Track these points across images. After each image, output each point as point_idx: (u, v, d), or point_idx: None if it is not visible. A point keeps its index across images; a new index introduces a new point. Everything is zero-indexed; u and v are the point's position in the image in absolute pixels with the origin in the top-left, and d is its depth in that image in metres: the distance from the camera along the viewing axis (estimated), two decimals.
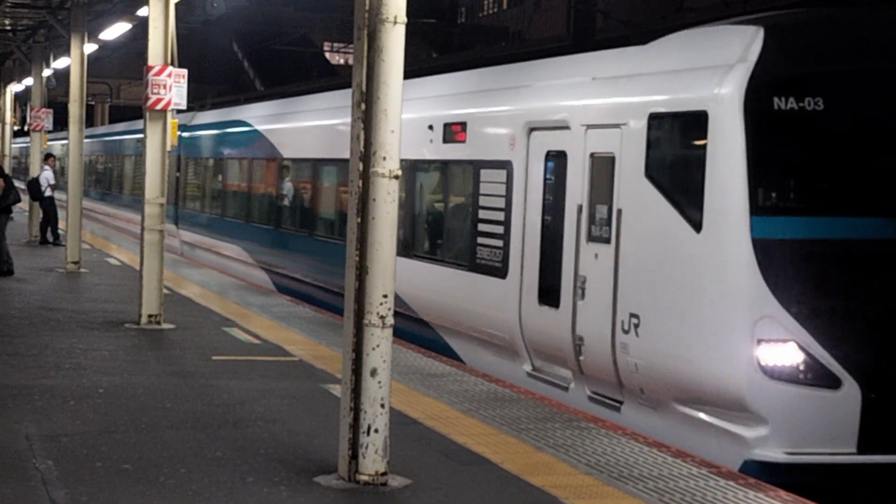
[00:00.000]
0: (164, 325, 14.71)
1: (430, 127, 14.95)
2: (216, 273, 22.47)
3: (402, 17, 7.66)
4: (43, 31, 28.94)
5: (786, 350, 9.34)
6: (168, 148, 14.98)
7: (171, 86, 14.73)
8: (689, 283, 9.91)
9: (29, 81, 32.03)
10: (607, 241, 10.94)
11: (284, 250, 20.84)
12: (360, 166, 7.72)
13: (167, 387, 10.93)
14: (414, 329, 15.03)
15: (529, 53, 26.91)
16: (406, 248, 15.31)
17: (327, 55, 65.54)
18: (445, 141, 14.65)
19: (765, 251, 9.42)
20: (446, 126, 14.66)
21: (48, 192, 26.80)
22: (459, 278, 13.98)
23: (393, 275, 7.75)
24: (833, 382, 9.30)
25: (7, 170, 25.93)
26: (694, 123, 9.98)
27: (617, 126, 10.95)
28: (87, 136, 26.40)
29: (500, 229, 13.02)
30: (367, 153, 7.70)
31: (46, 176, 27.13)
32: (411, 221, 15.69)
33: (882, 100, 9.87)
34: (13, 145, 41.69)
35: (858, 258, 9.63)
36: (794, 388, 9.30)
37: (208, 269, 23.46)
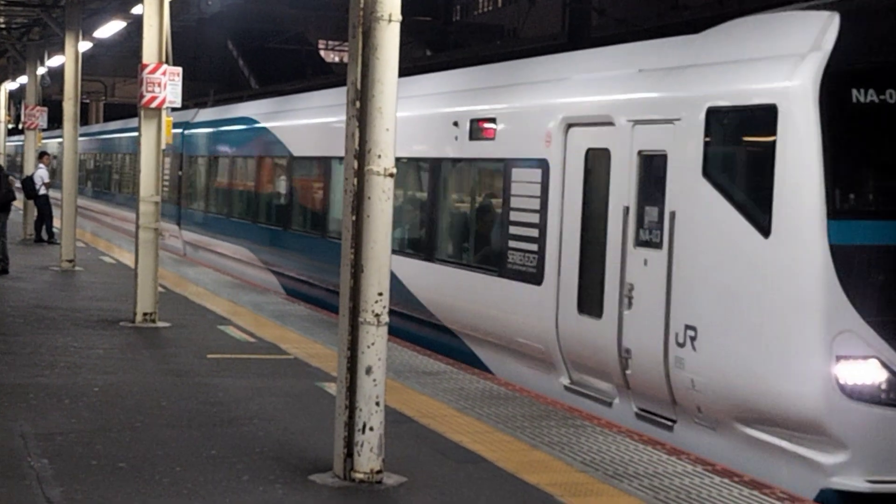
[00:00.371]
0: (159, 324, 14.70)
1: (455, 123, 14.13)
2: (211, 271, 22.45)
3: (397, 15, 7.66)
4: (37, 28, 28.92)
5: (867, 367, 8.56)
6: (163, 146, 14.96)
7: (166, 84, 14.73)
8: (755, 294, 9.08)
9: (23, 79, 31.98)
10: (658, 245, 10.14)
11: (295, 252, 20.03)
12: (355, 164, 7.72)
13: (162, 385, 10.92)
14: (437, 337, 14.35)
15: (527, 51, 26.91)
16: (428, 251, 14.68)
17: (322, 53, 65.54)
18: (472, 138, 13.81)
19: (843, 258, 8.61)
20: (473, 122, 13.80)
21: (42, 191, 26.78)
22: (488, 284, 13.10)
23: (388, 273, 7.75)
24: None
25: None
26: (761, 118, 9.15)
27: (669, 122, 10.12)
28: (82, 134, 26.36)
29: (534, 232, 12.16)
30: (361, 151, 7.70)
31: (41, 174, 27.12)
32: (434, 223, 14.84)
33: None
34: (7, 143, 41.60)
35: None
36: (877, 410, 8.52)
37: (203, 266, 23.43)
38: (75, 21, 22.42)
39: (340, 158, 18.13)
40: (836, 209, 8.71)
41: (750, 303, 9.12)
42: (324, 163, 18.87)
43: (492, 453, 8.74)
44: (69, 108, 22.16)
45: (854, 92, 8.81)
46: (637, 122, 10.59)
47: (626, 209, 10.58)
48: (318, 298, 18.35)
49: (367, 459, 7.73)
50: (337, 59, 63.53)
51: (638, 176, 10.53)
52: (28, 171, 28.47)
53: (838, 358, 8.55)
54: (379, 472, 7.77)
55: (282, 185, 21.26)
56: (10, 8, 25.97)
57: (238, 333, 14.28)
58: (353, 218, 7.73)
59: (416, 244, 15.24)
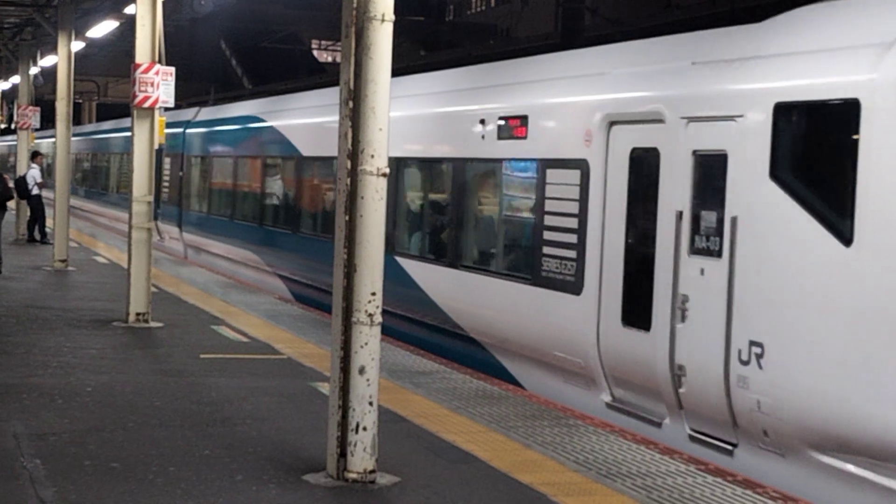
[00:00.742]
0: (152, 324, 14.69)
1: (482, 121, 13.33)
2: (204, 271, 22.43)
3: (390, 15, 7.66)
4: (30, 28, 28.89)
5: None
6: (156, 146, 14.96)
7: (159, 84, 14.72)
8: (834, 307, 8.23)
9: (16, 79, 31.98)
10: (717, 254, 9.32)
11: (305, 256, 19.11)
12: (349, 164, 7.72)
13: (155, 385, 10.92)
14: (462, 348, 13.59)
15: (521, 51, 26.93)
16: (452, 257, 13.89)
17: (315, 53, 65.56)
18: (501, 137, 12.95)
19: None
20: (502, 120, 12.95)
21: (35, 191, 26.77)
22: (520, 293, 12.25)
23: (381, 272, 7.75)
24: None
25: None
26: (840, 114, 8.34)
27: (730, 118, 9.30)
28: (75, 134, 26.30)
29: (572, 238, 11.36)
30: (355, 151, 7.70)
31: (33, 174, 27.09)
32: (458, 228, 13.97)
33: None
34: (0, 143, 41.66)
35: None
36: None
37: (196, 266, 23.41)
38: (68, 21, 22.42)
39: None
40: None
41: (829, 318, 8.28)
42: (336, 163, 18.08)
43: (485, 453, 8.75)
44: (62, 108, 22.16)
45: None
46: (692, 119, 9.79)
47: (679, 214, 9.80)
48: (329, 305, 17.65)
49: (361, 459, 7.73)
50: (330, 59, 63.54)
51: (693, 178, 9.73)
52: (21, 171, 28.46)
53: None
54: (372, 471, 7.77)
55: (291, 187, 20.43)
56: (2, 7, 25.92)
57: (231, 333, 14.27)
58: (347, 218, 7.74)
59: (439, 249, 14.53)
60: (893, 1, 8.53)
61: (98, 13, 24.37)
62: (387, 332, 14.24)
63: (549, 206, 11.84)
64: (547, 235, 11.84)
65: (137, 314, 14.73)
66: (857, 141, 8.13)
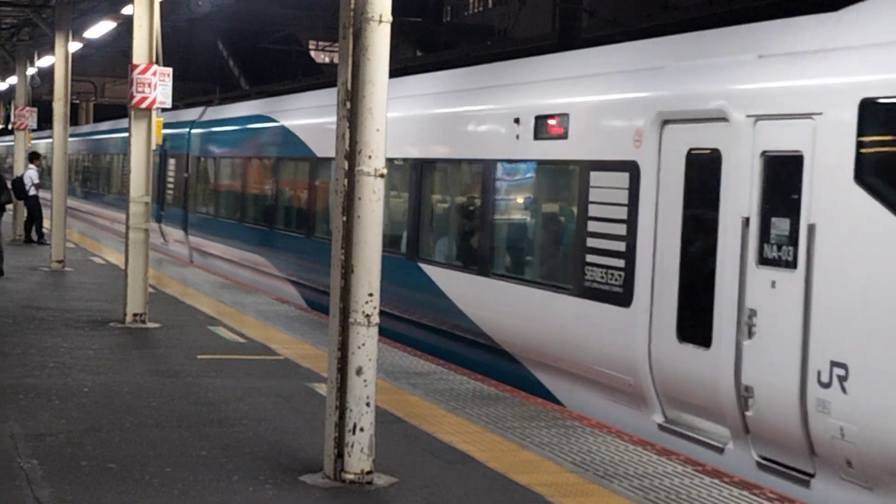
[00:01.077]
0: (150, 324, 14.69)
1: (517, 121, 12.51)
2: (201, 271, 22.42)
3: (388, 16, 7.66)
4: (27, 29, 28.89)
5: None
6: (153, 146, 14.96)
7: (156, 84, 14.73)
8: None
9: (13, 80, 31.96)
10: (791, 265, 8.49)
11: (319, 262, 17.58)
12: (346, 165, 7.73)
13: (152, 385, 10.91)
14: (494, 362, 12.87)
15: (520, 51, 26.92)
16: (483, 265, 13.06)
17: (312, 54, 65.48)
18: (538, 137, 12.15)
19: None
20: (539, 119, 12.15)
21: (32, 191, 26.77)
22: (561, 304, 11.46)
23: (378, 273, 7.76)
24: None
25: None
26: None
27: (807, 116, 8.45)
28: (72, 135, 26.27)
29: (620, 246, 10.57)
30: (352, 152, 7.71)
31: (30, 175, 27.10)
32: (489, 234, 13.14)
33: None
34: None
35: None
36: None
37: (194, 267, 23.39)
38: (65, 21, 22.42)
39: None
40: None
41: None
42: None
43: (482, 453, 8.75)
44: (59, 109, 22.15)
45: None
46: (760, 117, 8.92)
47: (746, 221, 8.96)
48: None
49: (358, 460, 7.73)
50: (327, 60, 63.49)
51: (761, 182, 8.86)
52: (18, 171, 28.45)
53: None
54: (369, 472, 7.77)
55: (305, 189, 19.60)
56: None
57: (228, 334, 14.27)
58: (344, 219, 7.74)
59: (468, 257, 13.81)
60: None
61: (95, 14, 24.39)
62: (408, 342, 14.14)
63: (593, 210, 11.05)
64: (591, 243, 11.04)
65: (134, 315, 14.72)
66: None
